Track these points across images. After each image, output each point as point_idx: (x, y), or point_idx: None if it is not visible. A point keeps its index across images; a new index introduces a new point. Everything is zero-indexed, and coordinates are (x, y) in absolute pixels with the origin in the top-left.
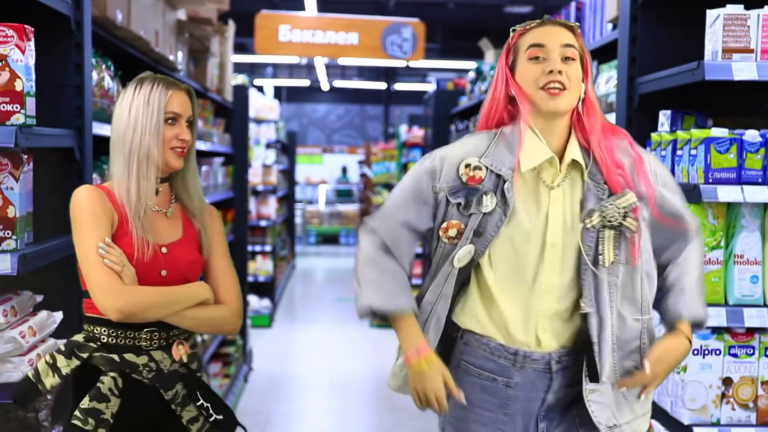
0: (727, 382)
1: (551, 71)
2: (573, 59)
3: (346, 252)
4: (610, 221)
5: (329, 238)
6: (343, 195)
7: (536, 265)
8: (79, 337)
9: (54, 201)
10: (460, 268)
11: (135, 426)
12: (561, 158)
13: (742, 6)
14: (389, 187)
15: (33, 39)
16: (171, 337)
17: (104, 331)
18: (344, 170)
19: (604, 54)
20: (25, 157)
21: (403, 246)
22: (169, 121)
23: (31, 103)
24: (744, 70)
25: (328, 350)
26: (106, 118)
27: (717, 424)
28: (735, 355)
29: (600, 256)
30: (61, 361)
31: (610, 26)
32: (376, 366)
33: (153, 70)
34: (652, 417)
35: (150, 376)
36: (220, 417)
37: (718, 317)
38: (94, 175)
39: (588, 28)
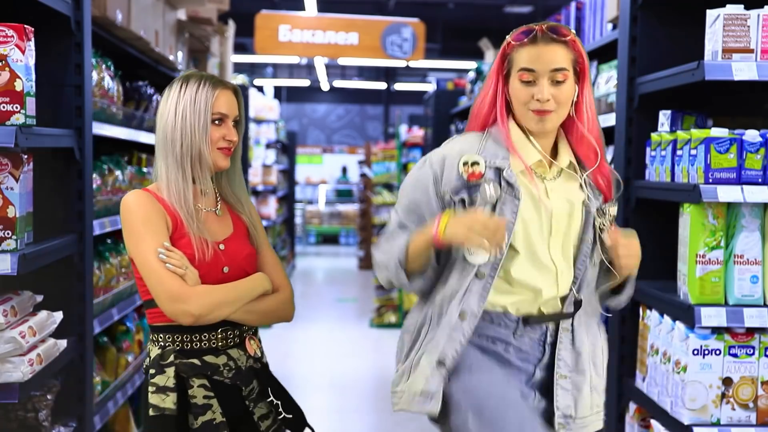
0: (727, 382)
1: (539, 99)
2: (563, 81)
3: (346, 252)
4: (603, 227)
5: (329, 238)
6: (343, 195)
7: (546, 248)
8: (154, 351)
9: (54, 201)
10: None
11: (231, 423)
12: (552, 156)
13: (742, 6)
14: (389, 187)
15: (33, 39)
16: (243, 333)
17: (178, 337)
18: (344, 170)
19: (604, 54)
20: (25, 157)
21: None
22: (216, 121)
23: (31, 103)
24: (744, 70)
25: (328, 350)
26: (106, 118)
27: (717, 424)
28: (735, 355)
29: (594, 252)
30: (160, 380)
31: (610, 26)
32: (376, 366)
33: (153, 70)
34: (652, 417)
35: (230, 375)
36: (290, 416)
37: (718, 317)
38: (94, 175)
39: (588, 28)
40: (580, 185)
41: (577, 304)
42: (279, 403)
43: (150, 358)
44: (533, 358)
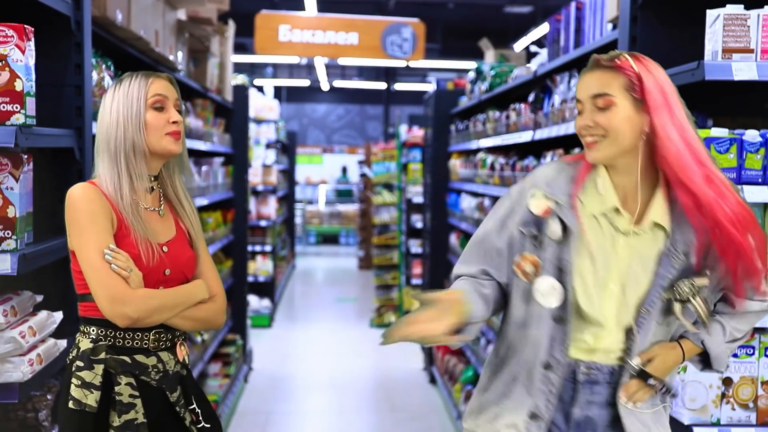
0: (727, 382)
1: (582, 126)
2: (610, 106)
3: (345, 252)
4: (679, 297)
5: (329, 238)
6: (343, 195)
7: (594, 300)
8: (84, 344)
9: (54, 201)
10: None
11: (156, 425)
12: (641, 210)
13: (742, 6)
14: (389, 187)
15: (33, 39)
16: (175, 337)
17: (111, 333)
18: (344, 170)
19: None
20: (25, 157)
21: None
22: (157, 106)
23: (31, 103)
24: (744, 70)
25: (328, 350)
26: None
27: (717, 424)
28: (735, 355)
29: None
30: (87, 375)
31: (610, 26)
32: (376, 366)
33: (153, 70)
34: None
35: (157, 377)
36: (208, 426)
37: None
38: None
39: (588, 28)
40: (663, 242)
41: (642, 374)
42: (200, 411)
43: (78, 350)
44: (566, 396)
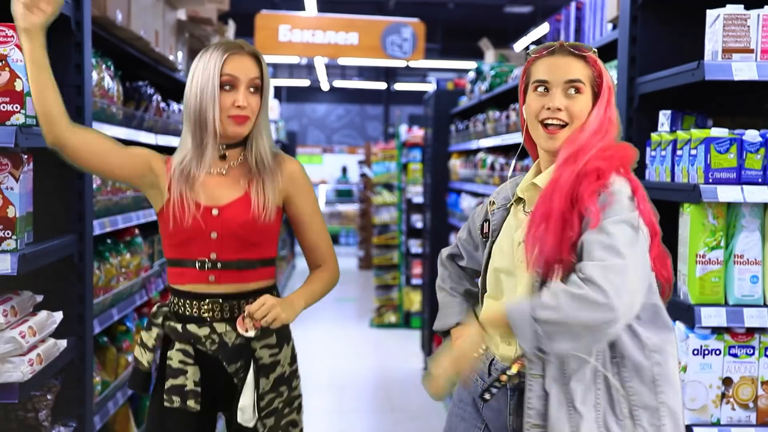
0: (727, 382)
1: (549, 108)
2: (579, 93)
3: (346, 252)
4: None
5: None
6: (343, 195)
7: (510, 282)
8: (155, 309)
9: (54, 201)
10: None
11: (211, 393)
12: None
13: (742, 6)
14: (389, 187)
15: None
16: (236, 308)
17: (173, 299)
18: (344, 170)
19: (604, 54)
20: (25, 157)
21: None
22: (226, 86)
23: (31, 103)
24: (744, 70)
25: (328, 350)
26: (106, 118)
27: (717, 424)
28: (735, 355)
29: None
30: (145, 336)
31: (610, 26)
32: (376, 366)
33: (153, 70)
34: None
35: (213, 347)
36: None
37: (718, 317)
38: (94, 175)
39: (588, 28)
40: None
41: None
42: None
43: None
44: (503, 401)
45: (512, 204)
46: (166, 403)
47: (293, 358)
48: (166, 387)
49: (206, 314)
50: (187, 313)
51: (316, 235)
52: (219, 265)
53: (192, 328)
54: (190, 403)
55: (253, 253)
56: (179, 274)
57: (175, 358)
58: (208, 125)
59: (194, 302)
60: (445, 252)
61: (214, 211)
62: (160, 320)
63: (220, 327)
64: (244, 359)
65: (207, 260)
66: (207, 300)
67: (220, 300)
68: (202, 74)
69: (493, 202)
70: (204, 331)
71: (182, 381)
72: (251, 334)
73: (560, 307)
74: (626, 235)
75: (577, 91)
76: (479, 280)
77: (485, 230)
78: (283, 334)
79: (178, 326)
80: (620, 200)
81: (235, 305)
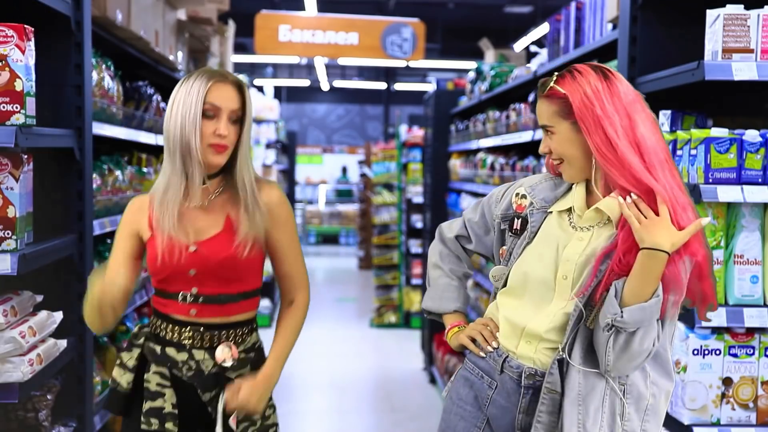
0: (727, 382)
1: (541, 152)
2: (552, 134)
3: (346, 252)
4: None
5: (329, 238)
6: (343, 195)
7: (545, 293)
8: (136, 329)
9: (54, 201)
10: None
11: (185, 418)
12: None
13: (742, 6)
14: (389, 187)
15: (33, 39)
16: (216, 338)
17: (154, 321)
18: (344, 170)
19: (604, 54)
20: (25, 157)
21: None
22: (209, 114)
23: (31, 103)
24: (744, 70)
25: (328, 350)
26: (106, 118)
27: (717, 424)
28: (735, 355)
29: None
30: (125, 356)
31: (610, 26)
32: (376, 366)
33: (153, 70)
34: None
35: (189, 374)
36: None
37: (718, 317)
38: (94, 175)
39: (588, 28)
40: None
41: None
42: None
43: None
44: (514, 399)
45: (552, 209)
46: (143, 426)
47: None
48: (144, 409)
49: (186, 341)
50: (167, 336)
51: (289, 266)
52: (201, 299)
53: (170, 351)
54: (169, 425)
55: (235, 287)
56: (163, 304)
57: (152, 380)
58: (192, 153)
59: (175, 327)
60: (447, 229)
61: (192, 248)
62: (141, 341)
63: (199, 354)
64: (219, 388)
65: (189, 294)
66: (189, 327)
67: (201, 329)
68: (184, 102)
69: (525, 196)
70: (182, 357)
71: (160, 403)
72: (228, 363)
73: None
74: None
75: (550, 132)
76: (491, 271)
77: (515, 226)
78: (258, 365)
79: (157, 348)
80: None
81: (216, 335)
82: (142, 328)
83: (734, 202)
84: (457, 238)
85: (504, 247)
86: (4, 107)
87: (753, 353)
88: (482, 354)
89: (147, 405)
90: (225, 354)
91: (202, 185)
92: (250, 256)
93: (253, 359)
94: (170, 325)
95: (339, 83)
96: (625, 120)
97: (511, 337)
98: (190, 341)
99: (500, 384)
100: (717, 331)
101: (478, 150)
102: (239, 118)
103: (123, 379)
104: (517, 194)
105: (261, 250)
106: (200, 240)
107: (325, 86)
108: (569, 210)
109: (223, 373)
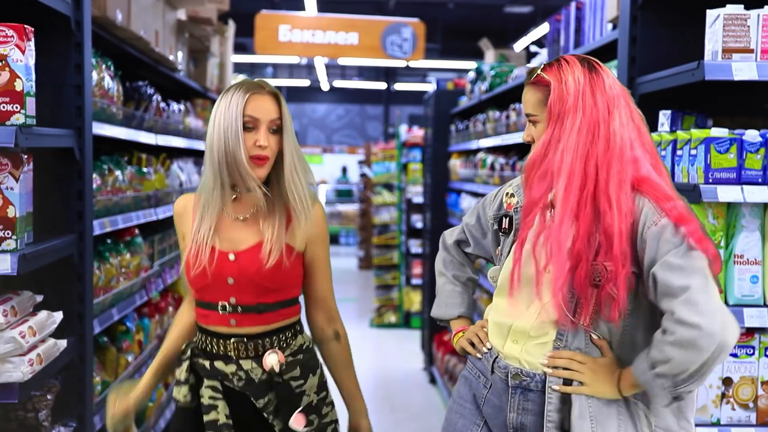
0: (727, 382)
1: (524, 140)
2: (535, 123)
3: (346, 252)
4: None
5: (329, 238)
6: (343, 195)
7: (532, 285)
8: (184, 346)
9: (54, 201)
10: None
11: (242, 426)
12: None
13: (742, 6)
14: (389, 187)
15: (33, 39)
16: (261, 346)
17: (201, 337)
18: (344, 170)
19: (604, 54)
20: (25, 157)
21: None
22: (248, 126)
23: (31, 103)
24: (744, 70)
25: None
26: (106, 118)
27: (717, 424)
28: (735, 355)
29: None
30: (179, 372)
31: (610, 26)
32: (376, 366)
33: (153, 70)
34: None
35: (240, 384)
36: None
37: None
38: (94, 175)
39: (588, 28)
40: None
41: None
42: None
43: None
44: (505, 398)
45: None
46: None
47: (321, 386)
48: (204, 422)
49: (232, 352)
50: (214, 350)
51: (325, 287)
52: (239, 309)
53: (219, 365)
54: None
55: (273, 296)
56: (204, 316)
57: (206, 395)
58: (240, 167)
59: (220, 341)
60: (448, 236)
61: (231, 257)
62: (188, 355)
63: (246, 364)
64: (273, 393)
65: (228, 304)
66: (232, 339)
67: (245, 339)
68: (224, 116)
69: (513, 195)
70: (231, 368)
71: (214, 416)
72: (277, 370)
73: (670, 358)
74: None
75: (533, 120)
76: (488, 272)
77: (504, 225)
78: (308, 365)
79: (206, 363)
80: None
81: (260, 344)
82: (188, 345)
83: (734, 202)
84: (458, 244)
85: (499, 248)
86: (4, 107)
87: (753, 353)
88: (478, 355)
89: (205, 418)
90: (272, 361)
91: (246, 194)
92: (286, 268)
93: (302, 361)
94: (215, 339)
95: (339, 83)
96: (605, 113)
97: (499, 336)
98: (236, 352)
99: (493, 384)
100: None
101: (478, 150)
102: (278, 128)
103: (179, 393)
104: (507, 194)
105: (301, 261)
106: (238, 250)
107: (325, 86)
108: (551, 205)
109: (273, 379)
